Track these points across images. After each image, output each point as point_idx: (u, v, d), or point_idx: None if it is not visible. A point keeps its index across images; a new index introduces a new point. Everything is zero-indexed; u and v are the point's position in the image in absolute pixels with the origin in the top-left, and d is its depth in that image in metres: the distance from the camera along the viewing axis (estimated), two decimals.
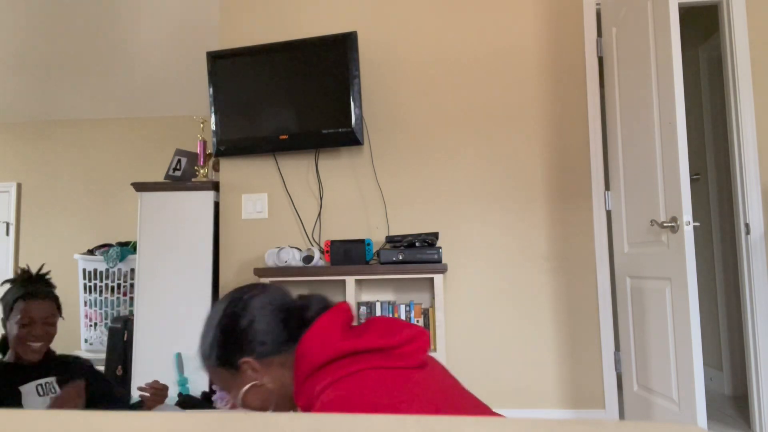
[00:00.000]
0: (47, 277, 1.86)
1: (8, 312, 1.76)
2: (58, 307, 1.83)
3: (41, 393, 1.73)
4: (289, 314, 1.02)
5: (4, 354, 1.82)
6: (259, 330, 1.00)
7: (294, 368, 0.97)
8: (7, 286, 1.81)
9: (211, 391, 2.66)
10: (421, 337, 0.98)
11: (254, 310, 1.01)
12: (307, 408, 0.94)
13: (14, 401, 1.69)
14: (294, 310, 1.03)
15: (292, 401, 1.03)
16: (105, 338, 3.34)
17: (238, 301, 1.02)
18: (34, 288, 1.77)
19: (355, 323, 1.04)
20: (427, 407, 0.88)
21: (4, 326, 1.77)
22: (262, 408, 1.03)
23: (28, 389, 1.72)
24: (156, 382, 1.84)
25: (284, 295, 1.05)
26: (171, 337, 2.74)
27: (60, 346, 3.96)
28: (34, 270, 1.88)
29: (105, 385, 1.92)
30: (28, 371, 1.77)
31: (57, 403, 1.72)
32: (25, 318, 1.72)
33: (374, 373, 0.90)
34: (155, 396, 1.80)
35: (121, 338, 2.91)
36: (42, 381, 1.77)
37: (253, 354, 0.99)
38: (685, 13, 3.49)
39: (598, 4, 2.80)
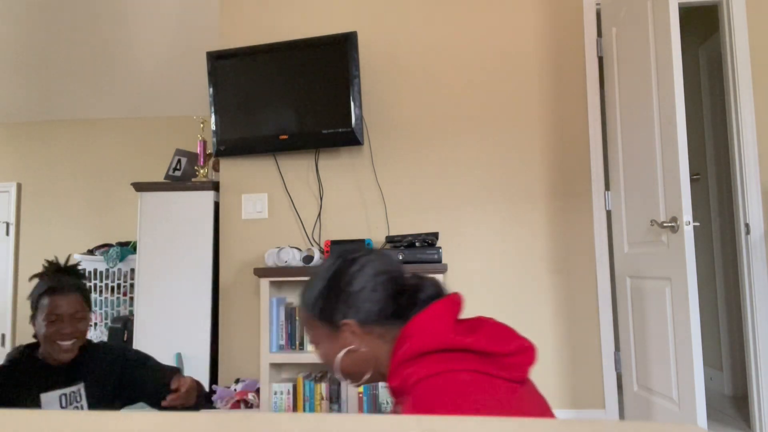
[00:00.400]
0: (77, 267, 1.72)
1: (35, 310, 1.61)
2: (86, 300, 1.66)
3: (64, 404, 1.58)
4: (401, 289, 1.00)
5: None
6: (370, 296, 0.98)
7: (395, 346, 0.94)
8: (35, 281, 1.66)
9: (211, 391, 2.66)
10: (530, 351, 0.94)
11: (369, 275, 0.99)
12: (399, 392, 0.90)
13: (34, 408, 1.55)
14: (407, 286, 1.01)
15: (383, 376, 1.01)
16: (105, 338, 3.34)
17: (355, 262, 1.00)
18: (59, 281, 1.61)
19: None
20: None
21: (34, 325, 1.63)
22: (355, 375, 1.01)
23: (49, 399, 1.56)
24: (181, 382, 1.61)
25: (400, 269, 1.03)
26: (171, 337, 2.74)
27: None
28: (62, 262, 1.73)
29: (145, 369, 1.71)
30: (54, 375, 1.60)
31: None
32: (52, 314, 1.56)
33: (478, 377, 0.87)
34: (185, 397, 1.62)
35: (121, 338, 2.92)
36: (67, 390, 1.59)
37: (356, 317, 0.98)
38: (685, 13, 3.49)
39: (598, 4, 2.80)
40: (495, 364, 0.90)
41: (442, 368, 0.87)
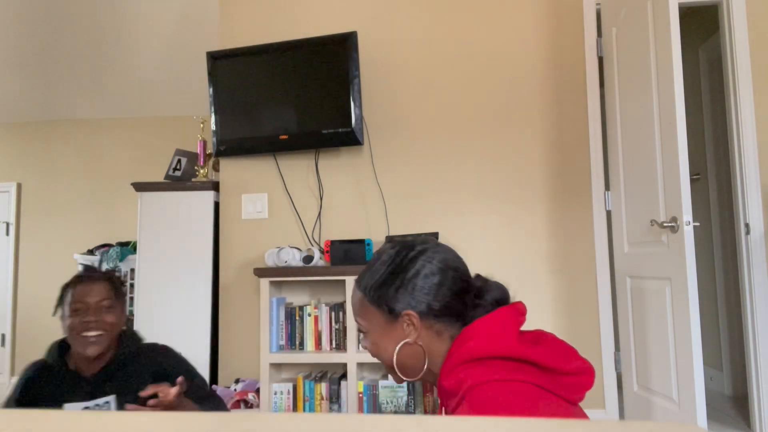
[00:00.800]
0: (113, 271, 1.58)
1: (62, 307, 1.47)
2: (116, 290, 1.49)
3: None
4: (468, 287, 0.96)
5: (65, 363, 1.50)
6: (435, 289, 0.93)
7: (453, 346, 0.91)
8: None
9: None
10: (589, 372, 0.91)
11: (437, 267, 0.94)
12: (451, 394, 0.87)
13: None
14: (472, 286, 0.97)
15: (434, 375, 0.96)
16: None
17: (424, 253, 0.95)
18: (85, 273, 1.49)
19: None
20: None
21: (62, 325, 1.47)
22: (407, 369, 0.97)
23: (72, 410, 1.39)
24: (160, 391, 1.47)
25: (465, 267, 0.99)
26: (171, 337, 2.74)
27: None
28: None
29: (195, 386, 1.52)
30: (80, 384, 1.44)
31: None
32: (75, 304, 1.42)
33: (536, 391, 0.83)
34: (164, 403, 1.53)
35: None
36: (92, 402, 1.42)
37: (418, 309, 0.93)
38: (685, 13, 3.49)
39: (598, 4, 2.80)
40: (554, 381, 0.86)
41: (503, 376, 0.83)
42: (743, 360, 3.06)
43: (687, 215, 2.08)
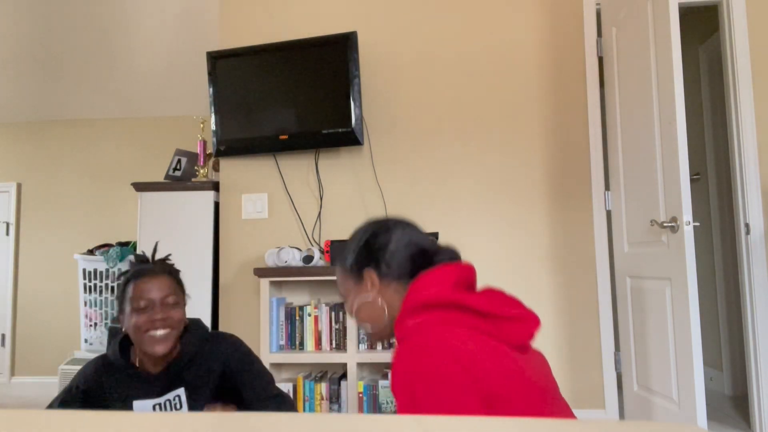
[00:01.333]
0: (167, 260, 1.52)
1: (121, 301, 1.42)
2: (179, 285, 1.46)
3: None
4: (420, 252, 1.10)
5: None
6: (391, 252, 1.09)
7: (403, 300, 1.04)
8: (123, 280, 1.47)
9: None
10: (532, 320, 1.00)
11: (394, 235, 1.11)
12: (400, 341, 0.98)
13: None
14: (426, 250, 1.11)
15: (392, 331, 1.10)
16: (105, 338, 3.34)
17: (384, 224, 1.13)
18: (144, 266, 1.44)
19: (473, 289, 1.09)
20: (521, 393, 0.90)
21: (122, 322, 1.44)
22: (372, 325, 1.11)
23: (141, 408, 1.39)
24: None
25: (422, 236, 1.14)
26: None
27: (59, 346, 3.97)
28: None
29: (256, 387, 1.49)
30: (149, 380, 1.41)
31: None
32: (138, 301, 1.36)
33: (468, 332, 0.92)
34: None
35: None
36: (162, 399, 1.39)
37: (377, 270, 1.09)
38: (685, 13, 3.49)
39: (598, 4, 2.80)
40: (495, 327, 0.95)
41: (441, 320, 0.94)
42: (743, 360, 3.06)
43: (687, 215, 2.08)
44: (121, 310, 1.42)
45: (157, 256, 1.51)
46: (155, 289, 1.39)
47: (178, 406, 1.40)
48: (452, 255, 1.10)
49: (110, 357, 1.45)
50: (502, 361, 0.90)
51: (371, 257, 1.10)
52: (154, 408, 1.39)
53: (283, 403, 1.53)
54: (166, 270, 1.45)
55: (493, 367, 0.89)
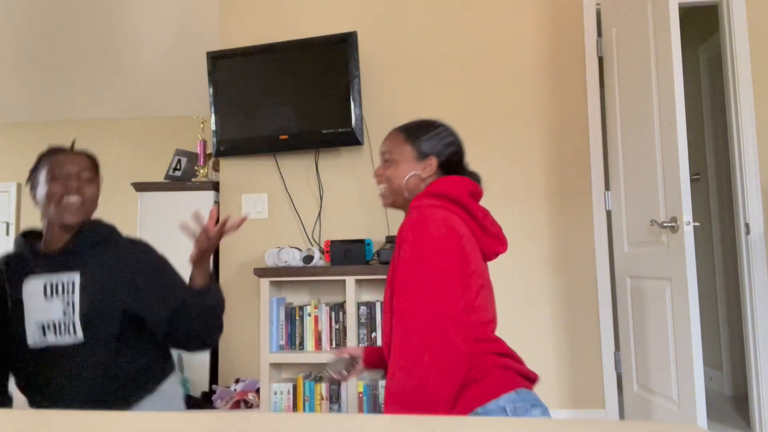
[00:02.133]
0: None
1: (35, 176, 1.40)
2: (95, 167, 1.44)
3: (49, 293, 1.34)
4: (462, 162, 1.40)
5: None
6: (452, 151, 1.37)
7: (429, 186, 1.30)
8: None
9: (211, 391, 2.66)
10: (503, 242, 1.34)
11: (456, 139, 1.39)
12: (412, 209, 1.26)
13: (17, 295, 1.36)
14: (465, 163, 1.41)
15: (405, 203, 1.36)
16: None
17: (451, 128, 1.40)
18: (62, 147, 1.44)
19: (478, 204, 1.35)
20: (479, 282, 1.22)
21: (34, 198, 1.41)
22: (399, 192, 1.35)
23: (32, 287, 1.35)
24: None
25: (464, 150, 1.42)
26: None
27: None
28: None
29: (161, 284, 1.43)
30: (44, 259, 1.37)
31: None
32: (54, 170, 1.36)
33: (462, 224, 1.23)
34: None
35: None
36: (55, 278, 1.35)
37: (439, 158, 1.35)
38: (685, 13, 3.49)
39: (598, 4, 2.80)
40: (479, 232, 1.28)
41: (450, 211, 1.23)
42: (743, 360, 3.06)
43: (687, 215, 2.08)
44: (33, 185, 1.41)
45: None
46: (72, 163, 1.39)
47: (70, 290, 1.34)
48: (477, 177, 1.40)
49: (10, 250, 1.45)
50: (480, 260, 1.25)
51: (442, 151, 1.35)
52: (45, 287, 1.35)
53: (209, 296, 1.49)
54: (85, 153, 1.45)
55: (474, 260, 1.21)
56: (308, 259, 2.53)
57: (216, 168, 3.05)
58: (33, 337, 1.34)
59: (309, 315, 2.55)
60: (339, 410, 2.49)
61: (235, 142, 2.82)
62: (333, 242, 2.52)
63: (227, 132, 2.82)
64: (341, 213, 2.84)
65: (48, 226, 1.41)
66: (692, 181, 3.48)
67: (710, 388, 3.31)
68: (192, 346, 1.47)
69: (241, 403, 2.51)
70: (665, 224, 2.17)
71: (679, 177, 2.10)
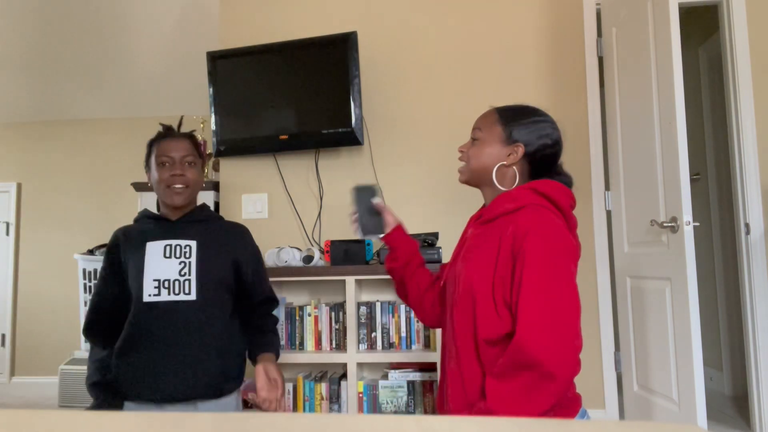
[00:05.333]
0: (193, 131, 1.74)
1: (148, 157, 1.63)
2: (197, 149, 1.65)
3: (168, 254, 1.55)
4: (557, 162, 1.34)
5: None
6: (547, 146, 1.29)
7: (538, 184, 1.24)
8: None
9: None
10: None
11: (556, 135, 1.33)
12: (518, 205, 1.20)
13: (139, 257, 1.55)
14: (560, 164, 1.35)
15: (492, 190, 1.31)
16: None
17: (554, 122, 1.34)
18: (170, 130, 1.66)
19: None
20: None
21: (149, 179, 1.65)
22: (483, 178, 1.30)
23: (153, 248, 1.56)
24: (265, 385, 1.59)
25: (561, 147, 1.36)
26: None
27: (59, 346, 3.97)
28: None
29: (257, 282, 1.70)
30: (166, 227, 1.61)
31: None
32: (161, 157, 1.58)
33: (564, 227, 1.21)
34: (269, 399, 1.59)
35: None
36: (174, 242, 1.57)
37: (527, 147, 1.27)
38: (685, 13, 3.49)
39: (598, 4, 2.80)
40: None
41: (556, 213, 1.21)
42: (743, 360, 3.06)
43: (687, 215, 2.08)
44: (147, 168, 1.64)
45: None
46: (176, 149, 1.59)
47: (188, 255, 1.56)
48: (570, 180, 1.34)
49: (130, 224, 1.68)
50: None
51: (533, 141, 1.27)
52: (164, 249, 1.55)
53: (269, 310, 1.76)
54: (187, 136, 1.65)
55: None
56: (308, 259, 2.53)
57: (216, 168, 3.05)
58: (149, 293, 1.52)
59: (309, 315, 2.55)
60: (339, 410, 2.49)
61: (235, 142, 2.81)
62: (333, 242, 2.51)
63: (227, 132, 2.82)
64: (341, 213, 2.84)
65: (162, 205, 1.65)
66: (692, 181, 3.48)
67: (710, 388, 3.31)
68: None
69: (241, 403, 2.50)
70: (665, 224, 2.17)
71: (679, 177, 2.10)
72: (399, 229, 1.49)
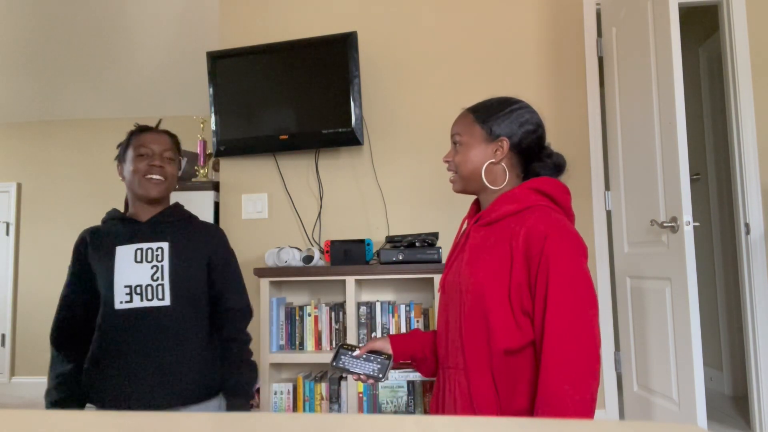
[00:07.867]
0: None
1: (124, 151, 1.57)
2: (177, 146, 1.61)
3: (139, 258, 1.47)
4: (543, 145, 1.28)
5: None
6: (529, 132, 1.24)
7: (521, 180, 1.24)
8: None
9: None
10: None
11: (536, 120, 1.26)
12: (523, 206, 1.17)
13: (108, 262, 1.47)
14: (546, 147, 1.29)
15: (487, 191, 1.27)
16: None
17: (529, 106, 1.28)
18: (147, 126, 1.61)
19: None
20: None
21: (121, 173, 1.57)
22: (472, 176, 1.26)
23: (123, 253, 1.47)
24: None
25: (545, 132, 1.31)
26: None
27: None
28: None
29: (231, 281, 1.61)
30: (137, 229, 1.52)
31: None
32: (141, 148, 1.52)
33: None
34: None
35: None
36: (145, 245, 1.49)
37: (512, 139, 1.24)
38: (685, 13, 3.49)
39: (598, 4, 2.80)
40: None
41: (558, 212, 1.19)
42: (743, 360, 3.06)
43: (687, 215, 2.08)
44: (121, 161, 1.58)
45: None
46: (156, 142, 1.55)
47: (160, 258, 1.49)
48: (563, 161, 1.29)
49: (97, 224, 1.59)
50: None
51: (512, 125, 1.24)
52: (135, 253, 1.48)
53: (241, 318, 1.63)
54: (168, 133, 1.61)
55: None
56: (308, 259, 2.53)
57: (216, 168, 3.05)
58: (120, 300, 1.45)
59: (309, 315, 2.55)
60: (339, 410, 2.49)
61: (235, 142, 2.81)
62: (333, 242, 2.51)
63: (227, 132, 2.82)
64: (341, 213, 2.84)
65: (133, 201, 1.57)
66: (692, 181, 3.48)
67: (710, 388, 3.31)
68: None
69: None
70: (665, 224, 2.17)
71: (679, 177, 2.10)
72: (390, 342, 1.35)
